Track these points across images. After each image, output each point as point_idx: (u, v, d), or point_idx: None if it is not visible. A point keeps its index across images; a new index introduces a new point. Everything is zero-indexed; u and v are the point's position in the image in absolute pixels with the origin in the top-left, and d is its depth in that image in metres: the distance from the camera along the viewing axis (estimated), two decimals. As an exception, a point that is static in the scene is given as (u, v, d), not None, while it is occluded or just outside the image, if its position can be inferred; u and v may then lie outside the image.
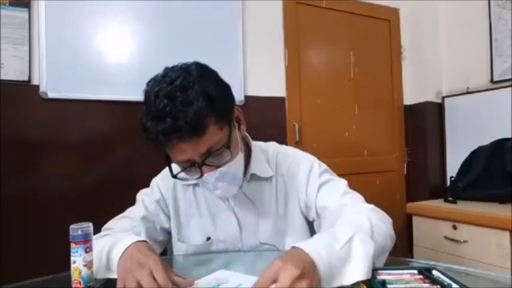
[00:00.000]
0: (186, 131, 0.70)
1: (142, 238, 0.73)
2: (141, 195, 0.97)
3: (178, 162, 0.77)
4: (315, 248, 0.63)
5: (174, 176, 0.80)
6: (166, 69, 0.79)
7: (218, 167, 0.77)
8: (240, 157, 0.83)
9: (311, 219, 0.94)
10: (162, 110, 0.70)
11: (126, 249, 0.69)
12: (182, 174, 0.79)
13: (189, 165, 0.76)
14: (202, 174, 0.76)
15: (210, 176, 0.77)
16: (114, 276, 0.68)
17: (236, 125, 0.84)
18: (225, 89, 0.81)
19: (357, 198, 0.88)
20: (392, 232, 0.78)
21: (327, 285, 0.61)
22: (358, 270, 0.63)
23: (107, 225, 0.90)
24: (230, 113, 0.80)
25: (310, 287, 0.56)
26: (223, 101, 0.77)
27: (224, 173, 0.78)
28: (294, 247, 0.64)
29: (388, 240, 0.75)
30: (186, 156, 0.74)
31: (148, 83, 0.78)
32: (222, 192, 0.81)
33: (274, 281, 0.56)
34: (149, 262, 0.64)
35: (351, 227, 0.70)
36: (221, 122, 0.75)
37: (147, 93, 0.76)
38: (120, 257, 0.68)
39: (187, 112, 0.69)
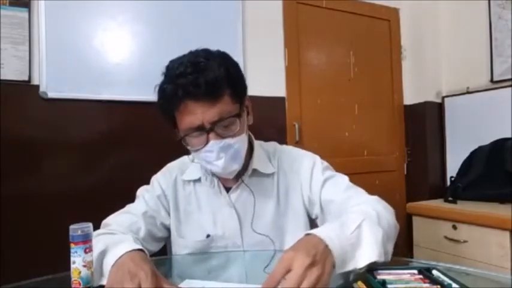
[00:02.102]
0: (204, 89, 0.75)
1: (138, 246, 0.71)
2: (142, 191, 0.98)
3: (187, 128, 0.80)
4: (327, 233, 0.64)
5: (180, 139, 0.82)
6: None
7: (224, 137, 0.80)
8: (245, 138, 0.87)
9: (314, 216, 0.95)
10: (185, 71, 0.76)
11: (120, 257, 0.67)
12: (188, 143, 0.82)
13: (197, 130, 0.79)
14: (207, 142, 0.79)
15: (215, 143, 0.79)
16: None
17: (245, 111, 0.88)
18: (241, 74, 0.87)
19: (360, 191, 0.91)
20: (395, 221, 0.81)
21: (341, 270, 0.63)
22: (369, 253, 0.66)
23: (106, 221, 0.90)
24: (243, 95, 0.86)
25: (322, 273, 0.57)
26: (239, 81, 0.84)
27: (229, 146, 0.81)
28: (307, 234, 0.65)
29: (392, 228, 0.78)
30: (197, 120, 0.77)
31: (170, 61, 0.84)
32: (223, 163, 0.82)
33: (288, 272, 0.57)
34: (140, 274, 0.62)
35: (358, 215, 0.72)
36: (235, 97, 0.81)
37: (169, 65, 0.82)
38: (113, 265, 0.66)
39: (208, 75, 0.76)
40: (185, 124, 0.79)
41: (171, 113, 0.81)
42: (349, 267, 0.64)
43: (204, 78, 0.75)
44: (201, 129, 0.78)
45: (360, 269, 0.64)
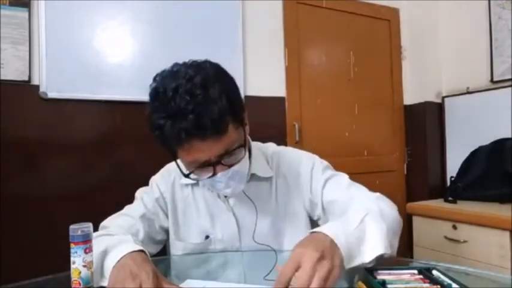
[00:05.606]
0: (210, 129, 0.69)
1: (139, 247, 0.71)
2: (140, 193, 0.97)
3: (192, 163, 0.76)
4: (332, 230, 0.64)
5: (187, 175, 0.79)
6: (177, 65, 0.76)
7: (230, 166, 0.77)
8: (247, 156, 0.84)
9: (316, 218, 0.94)
10: (185, 107, 0.67)
11: (121, 258, 0.66)
12: (193, 174, 0.79)
13: (203, 165, 0.75)
14: (214, 174, 0.76)
15: (223, 175, 0.77)
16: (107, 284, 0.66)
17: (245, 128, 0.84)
18: (237, 88, 0.80)
19: (362, 189, 0.91)
20: (399, 217, 0.81)
21: (348, 265, 0.63)
22: (375, 246, 0.66)
23: (104, 223, 0.89)
24: (243, 113, 0.81)
25: (332, 267, 0.57)
26: (239, 101, 0.78)
27: (236, 172, 0.79)
28: (312, 232, 0.65)
29: (396, 223, 0.78)
30: (203, 157, 0.73)
31: (155, 78, 0.75)
32: (232, 190, 0.81)
33: (298, 268, 0.57)
34: (141, 274, 0.62)
35: (361, 211, 0.73)
36: (237, 122, 0.76)
37: (157, 88, 0.72)
38: (114, 266, 0.66)
39: (212, 111, 0.68)
40: (189, 160, 0.75)
41: (171, 148, 0.76)
42: (356, 262, 0.64)
43: (208, 117, 0.67)
44: (207, 163, 0.75)
45: (368, 263, 0.65)
